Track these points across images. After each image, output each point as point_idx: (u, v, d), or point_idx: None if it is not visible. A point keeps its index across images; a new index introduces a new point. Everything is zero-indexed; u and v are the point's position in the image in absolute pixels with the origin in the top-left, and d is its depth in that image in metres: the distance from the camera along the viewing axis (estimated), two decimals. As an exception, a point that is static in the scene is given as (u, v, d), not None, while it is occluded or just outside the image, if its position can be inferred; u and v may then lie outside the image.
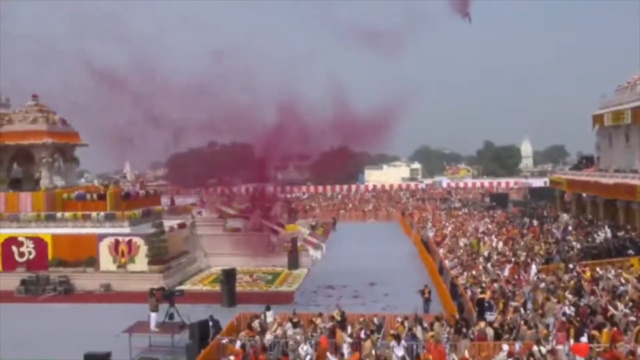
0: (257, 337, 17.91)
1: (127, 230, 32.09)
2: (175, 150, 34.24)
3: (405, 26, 25.15)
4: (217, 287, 28.12)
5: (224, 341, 17.64)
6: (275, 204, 55.16)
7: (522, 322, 18.32)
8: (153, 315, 20.86)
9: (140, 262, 30.95)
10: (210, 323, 19.64)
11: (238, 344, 17.14)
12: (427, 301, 23.44)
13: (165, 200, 46.77)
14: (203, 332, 18.93)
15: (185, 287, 29.68)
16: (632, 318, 18.04)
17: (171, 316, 21.05)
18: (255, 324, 19.22)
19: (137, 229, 32.49)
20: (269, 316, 20.52)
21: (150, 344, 20.35)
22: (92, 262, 31.06)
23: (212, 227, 38.77)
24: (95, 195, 33.73)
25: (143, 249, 31.05)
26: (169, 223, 34.75)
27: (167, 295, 21.75)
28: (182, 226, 35.93)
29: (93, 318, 24.64)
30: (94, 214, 32.52)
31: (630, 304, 19.81)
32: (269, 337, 18.33)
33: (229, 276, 27.33)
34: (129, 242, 31.13)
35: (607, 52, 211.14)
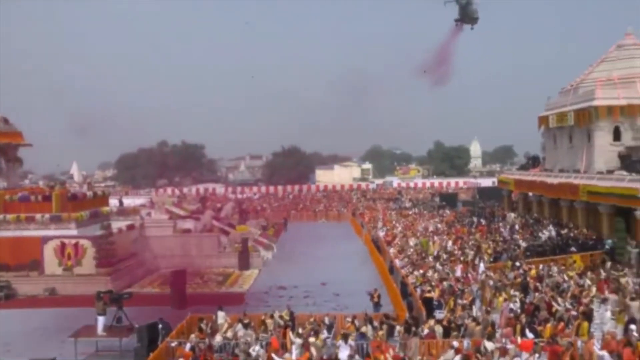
0: (207, 339, 17.79)
1: (73, 232, 31.36)
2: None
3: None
4: (167, 289, 27.79)
5: (173, 344, 17.44)
6: (226, 205, 55.01)
7: (471, 320, 18.75)
8: (100, 319, 20.46)
9: (88, 264, 30.32)
10: (160, 325, 19.43)
11: (188, 346, 16.97)
12: (376, 305, 23.57)
13: (113, 202, 45.90)
14: (152, 335, 18.69)
15: (134, 289, 29.20)
16: (574, 312, 18.73)
17: (119, 319, 20.70)
18: (205, 325, 19.08)
19: (84, 230, 31.77)
20: (220, 317, 20.39)
21: (97, 349, 20.01)
22: (36, 265, 30.25)
23: (162, 229, 38.17)
24: (40, 197, 32.77)
25: (90, 251, 30.44)
26: (118, 224, 34.15)
27: (115, 299, 21.37)
28: (131, 228, 35.34)
29: (37, 323, 23.95)
30: (38, 215, 31.57)
31: (571, 300, 20.62)
32: (219, 338, 18.23)
33: (178, 278, 27.05)
34: (76, 245, 30.46)
35: (555, 55, 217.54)
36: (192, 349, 16.75)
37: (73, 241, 30.48)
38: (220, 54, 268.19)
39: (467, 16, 32.28)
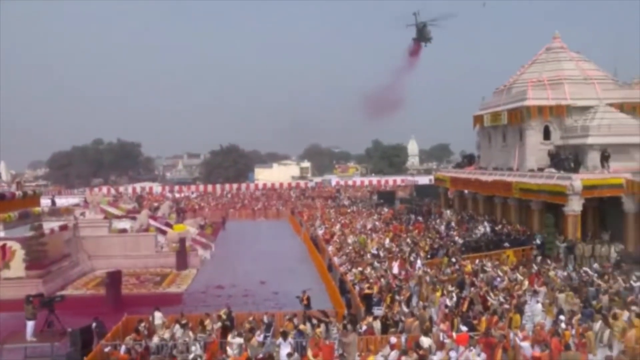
0: (144, 341, 17.45)
1: (0, 234, 30.17)
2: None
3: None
4: (102, 291, 27.10)
5: (107, 349, 16.96)
6: (164, 204, 54.06)
7: (409, 315, 19.07)
8: (30, 323, 19.80)
9: (17, 267, 29.10)
10: (95, 325, 18.96)
11: (123, 348, 16.60)
12: (306, 307, 23.40)
13: (45, 201, 44.40)
14: (86, 338, 18.13)
15: (68, 292, 28.33)
16: (507, 306, 19.35)
17: (50, 324, 20.05)
18: (142, 327, 18.71)
19: (12, 232, 30.51)
20: (157, 318, 20.04)
21: (26, 355, 19.14)
22: (-40, 269, 28.92)
23: (97, 229, 37.17)
24: (-36, 198, 31.38)
25: (20, 253, 29.21)
26: (50, 225, 32.95)
27: (47, 302, 20.71)
28: (63, 228, 34.18)
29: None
30: (-38, 217, 30.28)
31: (504, 294, 21.29)
32: (156, 340, 17.90)
33: (114, 279, 26.43)
34: (3, 247, 29.19)
35: (490, 55, 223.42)
36: (128, 351, 16.40)
37: (0, 243, 29.29)
38: (158, 52, 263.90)
39: (423, 36, 39.41)
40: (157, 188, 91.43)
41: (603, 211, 34.35)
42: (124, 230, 37.93)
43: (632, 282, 22.25)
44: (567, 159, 34.99)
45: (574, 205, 31.77)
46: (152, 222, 40.28)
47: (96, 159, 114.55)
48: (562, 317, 17.56)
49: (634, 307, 18.38)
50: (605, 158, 33.51)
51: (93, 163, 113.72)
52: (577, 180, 31.68)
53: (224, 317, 19.64)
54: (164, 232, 39.24)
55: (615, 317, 17.10)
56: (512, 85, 42.79)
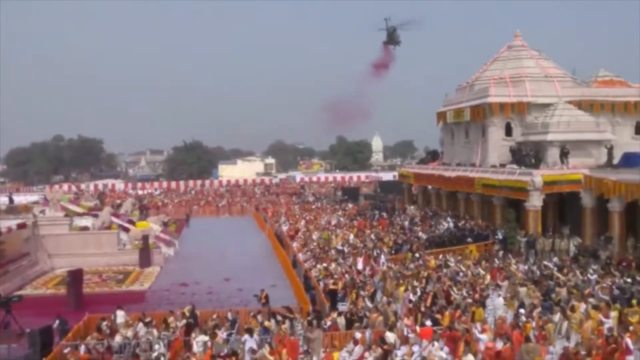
0: (106, 340, 17.20)
1: (-44, 232, 29.46)
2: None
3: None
4: (63, 290, 26.62)
5: (67, 350, 16.63)
6: (126, 201, 53.35)
7: (373, 310, 19.19)
8: (-16, 325, 19.31)
9: (-28, 267, 28.50)
10: (57, 323, 18.62)
11: (83, 348, 16.31)
12: (264, 306, 23.31)
13: (2, 199, 43.41)
14: (45, 339, 17.73)
15: (26, 291, 27.81)
16: (470, 300, 19.62)
17: (7, 325, 19.58)
18: (104, 326, 18.44)
19: (-34, 231, 29.85)
20: (119, 317, 19.75)
21: (-21, 358, 18.76)
22: None
23: (57, 227, 36.48)
24: None
25: (-26, 252, 28.62)
26: (7, 223, 32.27)
27: (3, 302, 20.24)
28: (21, 226, 33.48)
29: None
30: None
31: (467, 288, 21.59)
32: (119, 339, 17.66)
33: (75, 277, 25.98)
34: (-43, 247, 28.55)
35: (453, 53, 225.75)
36: (89, 351, 16.13)
37: (-45, 242, 28.58)
38: (119, 48, 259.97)
39: (392, 40, 40.75)
40: (119, 185, 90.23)
41: (562, 206, 35.08)
42: (85, 228, 37.34)
43: (589, 275, 22.79)
44: (528, 155, 35.58)
45: (535, 201, 32.37)
46: (114, 219, 39.74)
47: (56, 155, 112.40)
48: (522, 311, 17.92)
49: (590, 300, 18.89)
50: (564, 154, 34.19)
51: (53, 160, 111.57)
52: (538, 176, 32.27)
53: (187, 314, 19.47)
54: (126, 230, 38.75)
55: (572, 309, 17.53)
56: (475, 83, 43.30)
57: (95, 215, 39.34)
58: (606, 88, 39.79)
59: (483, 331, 15.88)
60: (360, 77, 43.13)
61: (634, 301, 18.76)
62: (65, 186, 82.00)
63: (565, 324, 16.91)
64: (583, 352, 14.22)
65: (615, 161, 33.36)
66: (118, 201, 58.89)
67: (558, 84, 39.41)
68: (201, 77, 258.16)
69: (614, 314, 17.30)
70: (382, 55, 41.96)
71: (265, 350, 15.13)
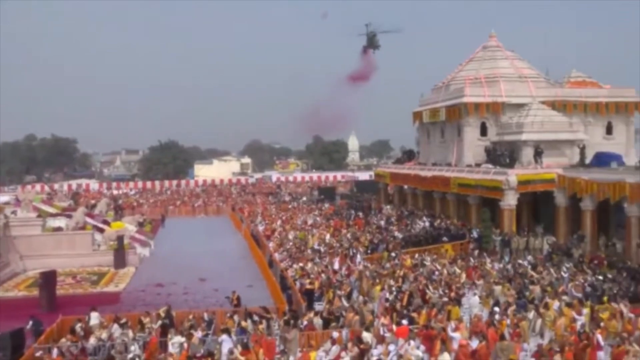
0: (80, 342, 17.00)
1: None
2: None
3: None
4: (36, 292, 26.24)
5: (39, 353, 16.38)
6: (101, 201, 52.76)
7: (349, 310, 19.23)
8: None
9: (-59, 269, 27.95)
10: (31, 324, 18.32)
11: (55, 351, 16.08)
12: (236, 307, 23.16)
13: (-27, 200, 42.65)
14: (16, 342, 17.41)
15: (-3, 294, 27.38)
16: (445, 299, 19.78)
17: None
18: (78, 328, 18.21)
19: None
20: (94, 318, 19.53)
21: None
22: None
23: (29, 227, 35.90)
24: None
25: (-56, 254, 28.04)
26: (-22, 224, 31.75)
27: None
28: (-7, 227, 32.97)
29: None
30: None
31: (443, 287, 21.76)
32: (93, 341, 17.46)
33: (48, 279, 25.60)
34: None
35: (429, 53, 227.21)
36: (62, 354, 15.92)
37: None
38: (93, 47, 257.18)
39: (372, 44, 43.74)
40: (94, 185, 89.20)
41: (537, 205, 35.53)
42: (58, 229, 36.80)
43: (562, 272, 23.14)
44: (502, 154, 35.95)
45: (510, 200, 32.74)
46: (88, 219, 39.27)
47: (29, 155, 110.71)
48: (496, 309, 18.11)
49: (564, 297, 19.18)
50: (538, 154, 34.61)
51: (25, 159, 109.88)
52: (513, 176, 32.64)
53: (163, 315, 19.32)
54: (101, 230, 38.33)
55: (546, 306, 17.77)
56: (450, 83, 43.64)
57: (69, 216, 38.80)
58: (579, 89, 40.43)
59: (456, 329, 16.03)
60: (339, 89, 44.77)
61: (605, 298, 19.15)
62: (38, 186, 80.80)
63: (539, 322, 17.14)
64: (556, 349, 14.41)
65: (588, 161, 33.89)
66: (92, 201, 58.23)
67: (532, 84, 39.91)
68: (177, 77, 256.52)
69: (586, 310, 17.62)
70: (363, 66, 44.09)
71: (237, 350, 15.04)
